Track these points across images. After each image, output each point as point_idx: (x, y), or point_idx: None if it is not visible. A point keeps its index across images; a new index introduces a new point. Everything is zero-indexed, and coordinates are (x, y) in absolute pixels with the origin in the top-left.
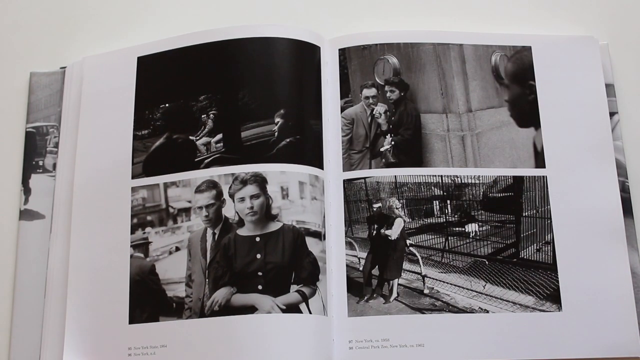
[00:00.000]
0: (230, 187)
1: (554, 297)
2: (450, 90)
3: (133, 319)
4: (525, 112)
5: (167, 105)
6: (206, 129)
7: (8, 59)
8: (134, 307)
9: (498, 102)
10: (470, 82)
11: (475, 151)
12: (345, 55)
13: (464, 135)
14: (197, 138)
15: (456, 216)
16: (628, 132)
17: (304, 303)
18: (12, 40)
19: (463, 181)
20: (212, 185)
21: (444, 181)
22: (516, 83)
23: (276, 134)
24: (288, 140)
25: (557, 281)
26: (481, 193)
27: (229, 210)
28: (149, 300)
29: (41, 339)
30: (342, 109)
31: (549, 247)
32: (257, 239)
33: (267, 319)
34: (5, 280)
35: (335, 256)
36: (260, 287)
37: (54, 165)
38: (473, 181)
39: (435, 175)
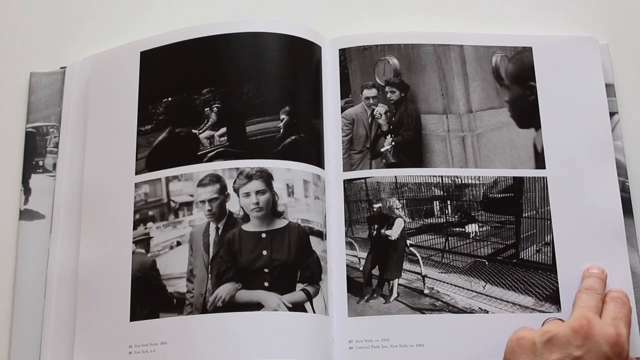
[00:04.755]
0: (234, 182)
1: (553, 298)
2: (451, 91)
3: (134, 316)
4: (526, 113)
5: (169, 99)
6: (209, 122)
7: (8, 59)
8: (135, 304)
9: (498, 102)
10: (471, 82)
11: (475, 152)
12: (345, 55)
13: (464, 135)
14: (200, 131)
15: (456, 216)
16: (628, 132)
17: (308, 302)
18: (12, 40)
19: (463, 182)
20: (215, 179)
21: (444, 181)
22: (517, 84)
23: (281, 130)
24: (293, 137)
25: (557, 282)
26: (481, 194)
27: (233, 205)
28: (149, 296)
29: (41, 339)
30: (343, 109)
31: (548, 248)
32: (263, 235)
33: (273, 317)
34: (5, 280)
35: (336, 256)
36: (266, 284)
37: (54, 165)
38: (473, 182)
39: (436, 176)
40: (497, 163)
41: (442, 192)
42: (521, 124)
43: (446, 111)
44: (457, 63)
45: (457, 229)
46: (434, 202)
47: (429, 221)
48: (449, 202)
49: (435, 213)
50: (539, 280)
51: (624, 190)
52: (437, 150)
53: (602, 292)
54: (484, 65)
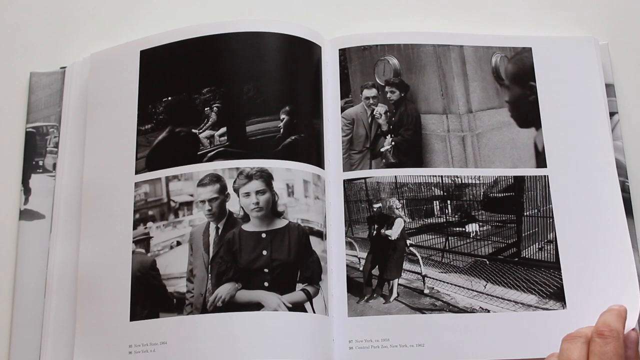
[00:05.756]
0: (234, 182)
1: (557, 295)
2: (451, 91)
3: (134, 316)
4: (526, 112)
5: (169, 98)
6: (209, 122)
7: (8, 59)
8: (135, 304)
9: (498, 102)
10: (471, 83)
11: (475, 151)
12: (345, 55)
13: (464, 135)
14: (200, 131)
15: (456, 216)
16: (628, 132)
17: (308, 302)
18: (12, 40)
19: (463, 181)
20: (215, 179)
21: (444, 181)
22: (517, 84)
23: (281, 130)
24: (293, 137)
25: (561, 279)
26: (482, 193)
27: (233, 205)
28: (149, 296)
29: (41, 339)
30: (343, 109)
31: (551, 246)
32: (263, 235)
33: (274, 317)
34: (5, 280)
35: (336, 256)
36: (266, 284)
37: (54, 165)
38: (473, 181)
39: (436, 176)
40: (498, 163)
41: (442, 192)
42: (521, 124)
43: (446, 111)
44: (457, 63)
45: (457, 229)
46: (434, 202)
47: (429, 221)
48: (449, 202)
49: (435, 213)
50: (542, 278)
51: (624, 190)
52: (437, 150)
53: (588, 332)
54: (484, 66)
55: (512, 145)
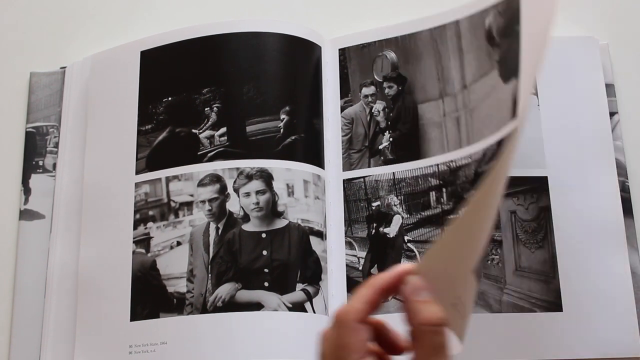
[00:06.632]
0: (235, 182)
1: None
2: (447, 72)
3: (134, 316)
4: (511, 65)
5: (170, 98)
6: (209, 122)
7: (8, 59)
8: (135, 304)
9: (489, 66)
10: (466, 56)
11: (469, 128)
12: (345, 55)
13: (459, 115)
14: (200, 131)
15: (451, 202)
16: (628, 132)
17: (308, 302)
18: (12, 40)
19: (458, 164)
20: (215, 179)
21: (440, 169)
22: (506, 36)
23: (281, 130)
24: (293, 137)
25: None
26: (473, 172)
27: (233, 205)
28: (150, 296)
29: (41, 339)
30: (342, 109)
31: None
32: (263, 235)
33: (274, 317)
34: (5, 280)
35: (336, 256)
36: (266, 284)
37: (54, 165)
38: (466, 161)
39: (432, 166)
40: (486, 132)
41: (438, 180)
42: (506, 79)
43: (442, 95)
44: (453, 40)
45: (452, 217)
46: (431, 192)
47: (425, 214)
48: (444, 189)
49: (432, 204)
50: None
51: (624, 190)
52: (433, 138)
53: None
54: (478, 33)
55: (497, 108)
